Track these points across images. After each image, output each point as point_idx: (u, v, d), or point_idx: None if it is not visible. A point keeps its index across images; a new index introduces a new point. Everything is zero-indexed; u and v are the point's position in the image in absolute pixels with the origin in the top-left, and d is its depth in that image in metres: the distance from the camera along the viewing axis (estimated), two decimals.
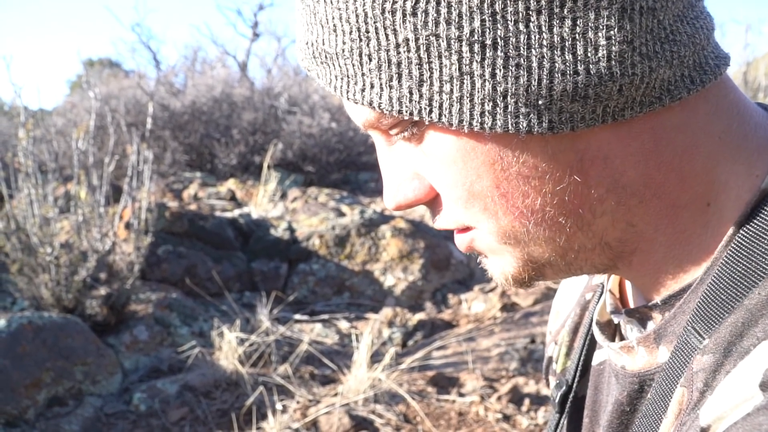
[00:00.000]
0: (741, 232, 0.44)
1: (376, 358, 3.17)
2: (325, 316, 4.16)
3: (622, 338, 0.57)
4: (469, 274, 4.82)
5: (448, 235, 4.63)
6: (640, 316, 0.52)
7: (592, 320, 0.62)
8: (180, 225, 4.66)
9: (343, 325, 4.08)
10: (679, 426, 0.43)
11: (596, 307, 0.61)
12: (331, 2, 0.44)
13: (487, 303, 4.22)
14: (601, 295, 0.61)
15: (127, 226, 4.04)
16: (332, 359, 3.41)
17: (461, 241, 0.53)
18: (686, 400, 0.43)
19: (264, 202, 6.14)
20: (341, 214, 5.41)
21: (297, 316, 4.09)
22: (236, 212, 5.65)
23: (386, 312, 4.10)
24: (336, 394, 2.91)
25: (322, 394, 2.95)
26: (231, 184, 7.16)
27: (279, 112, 8.53)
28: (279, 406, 2.80)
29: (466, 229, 0.51)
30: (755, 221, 0.44)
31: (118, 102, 8.27)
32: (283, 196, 6.54)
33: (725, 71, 0.46)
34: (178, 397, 2.95)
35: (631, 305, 0.58)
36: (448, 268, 4.79)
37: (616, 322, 0.58)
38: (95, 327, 3.34)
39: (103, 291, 3.48)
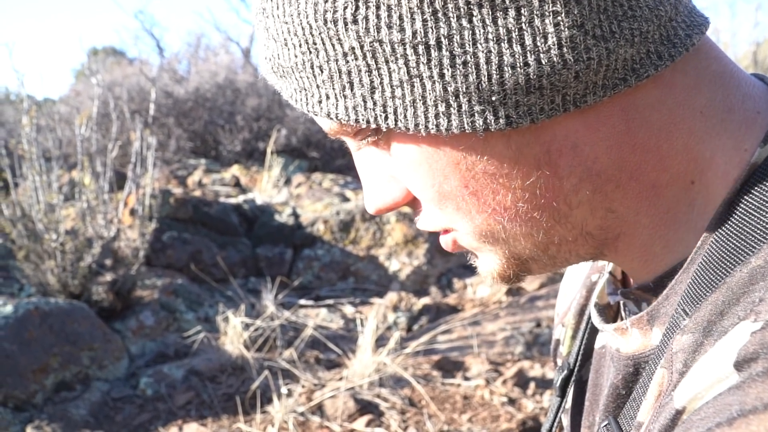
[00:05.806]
0: (731, 210, 0.42)
1: (381, 342, 3.17)
2: (330, 301, 4.17)
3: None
4: None
5: None
6: (636, 298, 0.51)
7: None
8: (185, 211, 4.67)
9: (348, 309, 4.09)
10: (658, 408, 0.41)
11: (598, 288, 0.60)
12: (279, 17, 0.44)
13: (492, 287, 4.22)
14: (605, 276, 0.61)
15: (132, 212, 4.04)
16: (337, 344, 3.42)
17: (445, 242, 0.53)
18: (666, 382, 0.41)
19: (268, 188, 6.14)
20: (346, 200, 5.40)
21: (302, 301, 4.10)
22: (241, 198, 5.65)
23: (391, 297, 4.11)
24: (341, 378, 2.92)
25: (327, 379, 2.96)
26: (235, 170, 7.16)
27: (283, 98, 8.49)
28: (284, 390, 2.81)
29: (447, 230, 0.51)
30: (745, 198, 0.42)
31: (122, 89, 8.25)
32: (288, 181, 6.53)
33: (698, 40, 0.43)
34: (184, 381, 2.96)
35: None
36: (452, 253, 4.79)
37: (612, 303, 0.57)
38: (101, 313, 3.36)
39: (108, 277, 3.49)
